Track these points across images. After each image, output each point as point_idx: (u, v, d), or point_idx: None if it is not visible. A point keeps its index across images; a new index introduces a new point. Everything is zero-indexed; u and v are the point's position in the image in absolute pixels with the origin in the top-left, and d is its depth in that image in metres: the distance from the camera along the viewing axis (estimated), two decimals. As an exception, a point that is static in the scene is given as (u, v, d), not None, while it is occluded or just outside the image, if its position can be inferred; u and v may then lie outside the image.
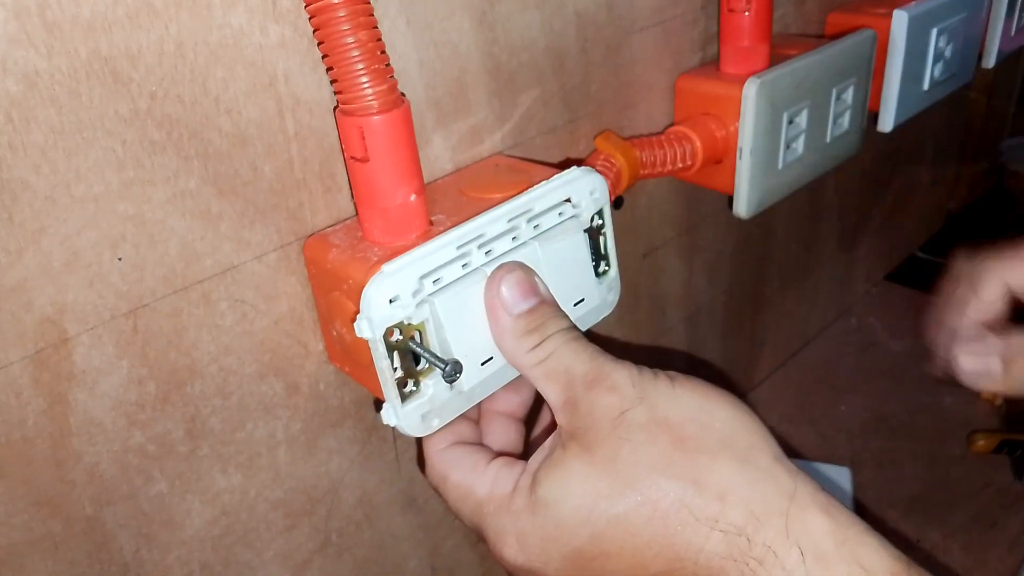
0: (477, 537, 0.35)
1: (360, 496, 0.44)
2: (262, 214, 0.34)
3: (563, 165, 0.43)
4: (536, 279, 0.35)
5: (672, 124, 0.51)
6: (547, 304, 0.34)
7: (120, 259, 0.31)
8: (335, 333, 0.36)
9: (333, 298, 0.35)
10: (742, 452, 0.29)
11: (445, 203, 0.38)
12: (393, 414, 0.34)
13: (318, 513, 0.43)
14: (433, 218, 0.36)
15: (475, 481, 0.34)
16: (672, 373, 0.33)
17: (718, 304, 0.68)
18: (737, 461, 0.29)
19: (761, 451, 0.30)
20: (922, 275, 0.94)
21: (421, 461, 0.39)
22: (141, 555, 0.36)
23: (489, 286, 0.34)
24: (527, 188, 0.37)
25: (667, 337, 0.64)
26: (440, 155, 0.41)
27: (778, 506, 0.28)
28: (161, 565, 0.37)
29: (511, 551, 0.32)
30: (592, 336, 0.54)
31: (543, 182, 0.37)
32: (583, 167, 0.38)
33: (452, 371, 0.33)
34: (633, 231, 0.55)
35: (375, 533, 0.46)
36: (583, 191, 0.38)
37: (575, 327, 0.34)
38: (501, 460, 0.35)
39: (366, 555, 0.46)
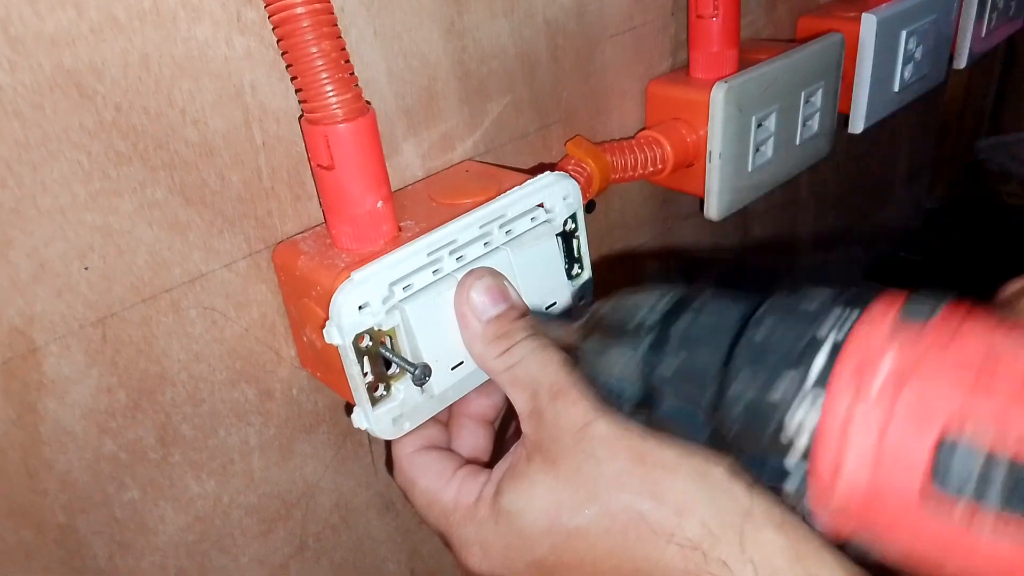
0: (443, 543, 0.35)
1: (336, 500, 0.45)
2: (231, 223, 0.35)
3: (535, 170, 0.44)
4: (506, 284, 0.36)
5: (643, 129, 0.52)
6: (516, 310, 0.35)
7: (87, 269, 0.31)
8: (306, 339, 0.37)
9: (303, 305, 0.35)
10: (700, 467, 0.29)
11: (414, 209, 0.38)
12: (364, 418, 0.34)
13: (294, 517, 0.43)
14: (402, 224, 0.37)
15: (441, 489, 0.35)
16: None
17: (695, 305, 0.69)
18: (695, 476, 0.29)
19: (718, 466, 0.30)
20: (901, 274, 0.95)
21: (390, 464, 0.40)
22: (115, 562, 0.36)
23: (459, 292, 0.35)
24: (497, 194, 0.37)
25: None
26: (411, 163, 0.41)
27: (733, 522, 0.28)
28: (136, 571, 0.37)
29: (475, 560, 0.33)
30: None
31: (516, 188, 0.37)
32: (556, 172, 0.39)
33: (421, 375, 0.34)
34: (608, 234, 0.56)
35: (352, 536, 0.47)
36: (556, 196, 0.38)
37: (545, 334, 0.34)
38: (467, 469, 0.35)
39: (344, 558, 0.47)
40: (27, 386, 0.31)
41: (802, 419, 0.20)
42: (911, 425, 0.19)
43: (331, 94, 0.31)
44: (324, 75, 0.31)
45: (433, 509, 0.35)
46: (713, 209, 0.51)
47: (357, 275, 0.32)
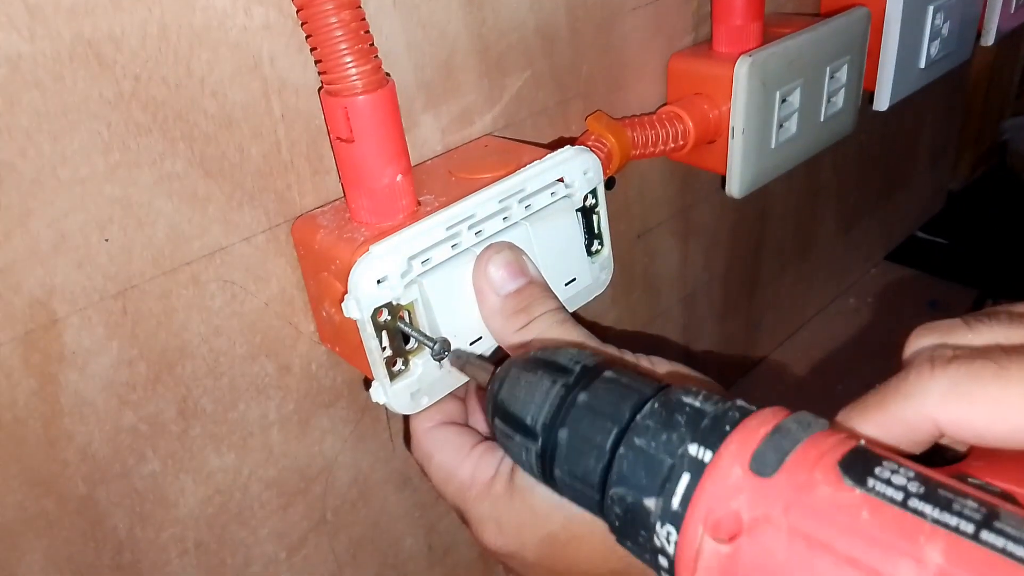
0: (460, 519, 0.35)
1: (354, 475, 0.45)
2: (250, 196, 0.35)
3: (554, 145, 0.43)
4: (525, 259, 0.35)
5: (664, 105, 0.51)
6: (535, 285, 0.35)
7: (107, 241, 0.31)
8: (325, 314, 0.36)
9: (322, 279, 0.35)
10: None
11: (433, 184, 0.38)
12: (382, 392, 0.34)
13: (312, 492, 0.43)
14: (421, 199, 0.36)
15: (459, 464, 0.35)
16: (654, 359, 0.33)
17: (714, 286, 0.68)
18: None
19: None
20: (922, 256, 0.94)
21: (408, 439, 0.40)
22: (135, 533, 0.36)
23: (478, 266, 0.34)
24: (516, 168, 0.37)
25: (662, 319, 0.64)
26: (430, 137, 0.41)
27: None
28: (156, 543, 0.37)
29: (491, 535, 0.33)
30: (586, 317, 0.54)
31: (535, 162, 0.37)
32: (576, 146, 0.38)
33: (440, 349, 0.34)
34: (626, 212, 0.55)
35: (370, 512, 0.47)
36: (576, 171, 0.38)
37: (563, 308, 0.34)
38: (484, 445, 0.35)
39: (362, 534, 0.47)
40: (48, 357, 0.31)
41: (668, 534, 0.23)
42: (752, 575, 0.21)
43: (351, 65, 0.31)
44: (343, 45, 0.31)
45: (450, 484, 0.35)
46: (735, 186, 0.50)
47: (376, 249, 0.32)
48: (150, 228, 0.32)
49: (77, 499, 0.34)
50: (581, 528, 0.31)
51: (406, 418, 0.42)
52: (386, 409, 0.45)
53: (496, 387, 0.30)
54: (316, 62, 0.32)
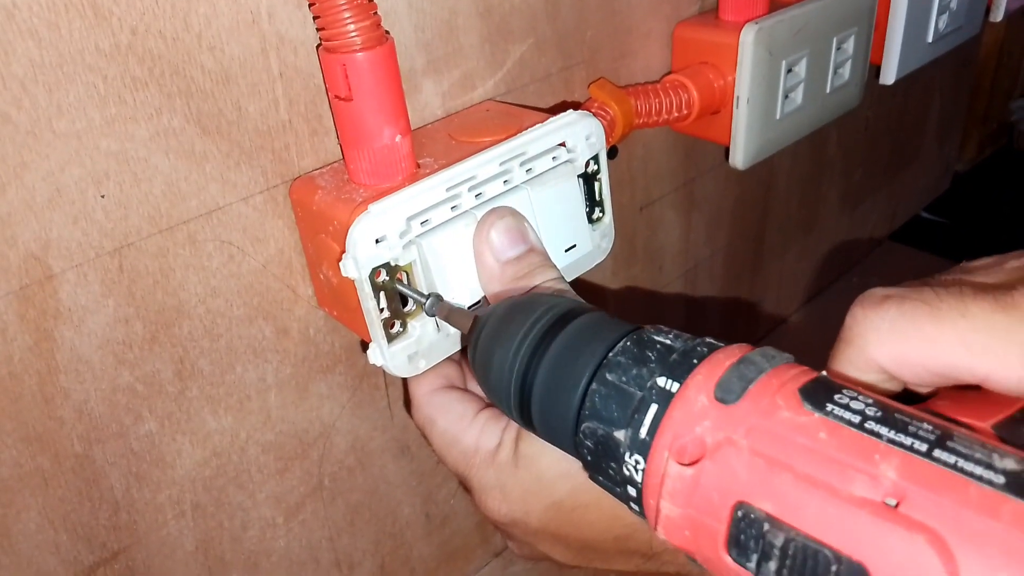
0: (460, 484, 0.35)
1: (352, 442, 0.45)
2: (248, 155, 0.34)
3: (557, 110, 0.43)
4: (527, 226, 0.35)
5: (669, 73, 0.51)
6: (536, 252, 0.34)
7: (103, 196, 0.31)
8: (323, 276, 0.36)
9: (320, 240, 0.35)
10: None
11: (433, 147, 0.37)
12: (380, 354, 0.34)
13: (310, 457, 0.43)
14: (421, 161, 0.36)
15: (462, 431, 0.35)
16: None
17: (716, 260, 0.68)
18: None
19: None
20: (927, 236, 0.94)
21: (408, 403, 0.40)
22: (132, 494, 0.36)
23: (479, 230, 0.34)
24: (518, 132, 0.36)
25: (665, 292, 0.64)
26: (431, 101, 0.40)
27: None
28: (152, 504, 0.37)
29: (495, 503, 0.33)
30: (588, 287, 0.54)
31: (537, 125, 0.36)
32: (579, 111, 0.38)
33: (432, 305, 0.33)
34: (630, 183, 0.55)
35: (368, 479, 0.47)
36: (579, 135, 0.37)
37: (562, 278, 0.34)
38: (488, 412, 0.35)
39: (359, 500, 0.47)
40: (44, 313, 0.31)
41: (636, 463, 0.24)
42: (713, 495, 0.21)
43: (349, 21, 0.31)
44: (342, 1, 0.30)
45: (452, 451, 0.35)
46: (739, 157, 0.50)
47: (375, 207, 0.31)
48: (147, 184, 0.32)
49: (73, 457, 0.34)
50: (587, 496, 0.31)
51: (405, 383, 0.42)
52: (384, 376, 0.45)
53: (477, 333, 0.30)
54: (314, 18, 0.32)
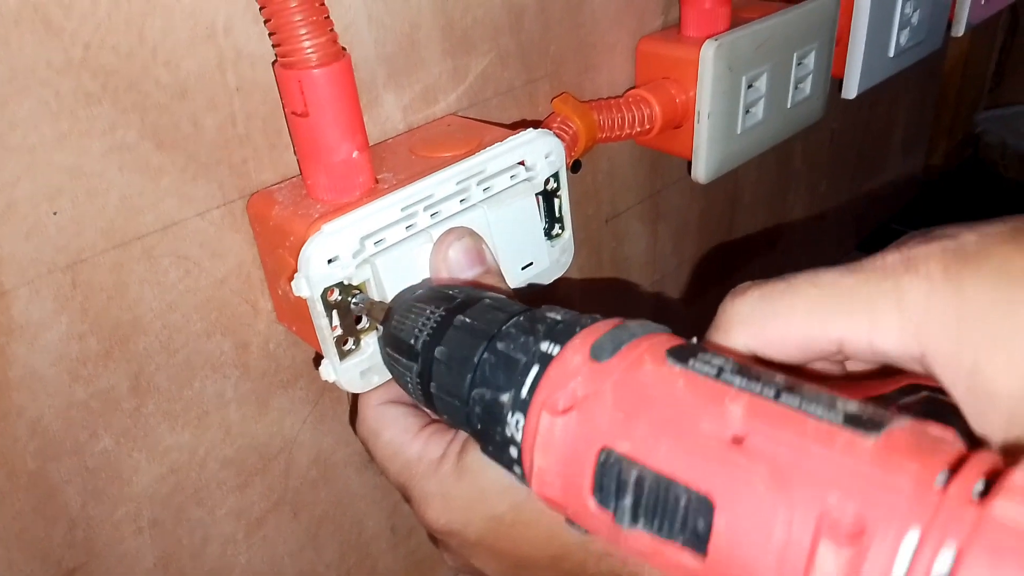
0: (401, 496, 0.35)
1: (315, 456, 0.45)
2: (205, 169, 0.34)
3: (518, 127, 0.43)
4: (484, 247, 0.35)
5: (632, 88, 0.51)
6: (492, 274, 0.35)
7: (55, 214, 0.30)
8: (281, 291, 0.36)
9: (277, 255, 0.35)
10: None
11: (393, 162, 0.37)
12: (332, 370, 0.34)
13: (272, 472, 0.43)
14: (380, 176, 0.36)
15: (407, 442, 0.35)
16: None
17: (683, 271, 0.68)
18: None
19: None
20: (893, 246, 0.95)
21: (353, 416, 0.40)
22: (88, 511, 0.36)
23: (437, 249, 0.34)
24: (479, 148, 0.36)
25: (631, 303, 0.64)
26: (392, 115, 0.40)
27: None
28: (110, 520, 0.37)
29: (434, 512, 0.33)
30: (555, 298, 0.54)
31: (496, 144, 0.36)
32: (539, 129, 0.38)
33: (376, 311, 0.33)
34: (595, 196, 0.55)
35: (331, 492, 0.46)
36: (538, 153, 0.38)
37: (511, 294, 0.34)
38: (435, 426, 0.35)
39: (323, 514, 0.47)
40: (-6, 329, 0.31)
41: (517, 422, 0.25)
42: (579, 442, 0.23)
43: (305, 37, 0.31)
44: (298, 17, 0.30)
45: (396, 461, 0.35)
46: (701, 171, 0.50)
47: (328, 227, 0.31)
48: (101, 200, 0.32)
49: (27, 474, 0.33)
50: (527, 514, 0.31)
51: (354, 398, 0.42)
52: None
53: (389, 319, 0.32)
54: (270, 34, 0.32)
